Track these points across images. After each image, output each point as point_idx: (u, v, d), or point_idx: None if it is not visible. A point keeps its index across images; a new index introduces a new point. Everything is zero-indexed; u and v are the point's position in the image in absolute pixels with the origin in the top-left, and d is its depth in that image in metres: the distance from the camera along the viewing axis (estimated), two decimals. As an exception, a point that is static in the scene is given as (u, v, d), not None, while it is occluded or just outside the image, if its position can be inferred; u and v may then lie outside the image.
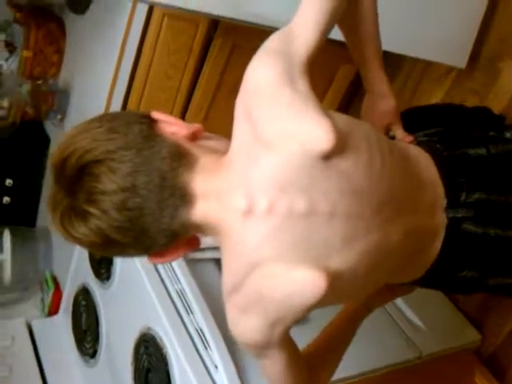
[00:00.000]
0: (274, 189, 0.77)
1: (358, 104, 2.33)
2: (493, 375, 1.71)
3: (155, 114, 0.82)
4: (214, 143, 0.86)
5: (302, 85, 0.80)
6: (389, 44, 1.79)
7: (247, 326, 0.81)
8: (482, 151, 1.04)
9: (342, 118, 0.84)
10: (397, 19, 1.71)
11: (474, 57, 1.98)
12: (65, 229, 0.78)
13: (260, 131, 0.78)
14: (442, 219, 0.96)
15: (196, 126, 0.84)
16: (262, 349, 0.84)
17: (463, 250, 0.98)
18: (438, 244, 0.96)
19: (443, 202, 0.96)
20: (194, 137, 0.84)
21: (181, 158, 0.79)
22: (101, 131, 0.77)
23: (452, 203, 0.97)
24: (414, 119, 1.14)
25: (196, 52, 1.72)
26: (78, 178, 0.76)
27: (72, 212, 0.76)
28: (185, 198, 0.78)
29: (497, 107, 1.87)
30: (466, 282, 1.01)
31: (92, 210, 0.75)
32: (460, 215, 0.97)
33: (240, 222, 0.77)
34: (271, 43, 0.83)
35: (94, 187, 0.75)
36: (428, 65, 2.11)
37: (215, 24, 1.70)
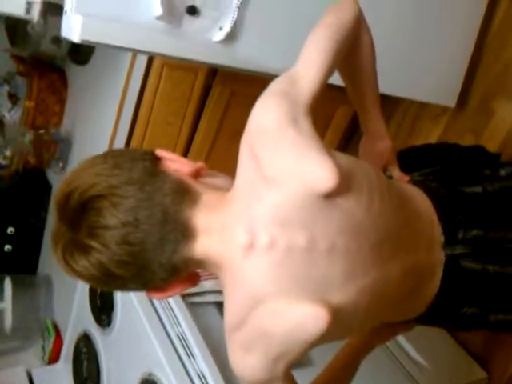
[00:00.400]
0: (276, 225, 0.78)
1: (355, 145, 2.38)
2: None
3: (159, 152, 0.84)
4: (218, 180, 0.89)
5: (306, 125, 0.82)
6: (382, 86, 1.85)
7: (250, 363, 0.81)
8: (478, 189, 1.06)
9: (344, 158, 0.86)
10: (385, 62, 1.76)
11: (469, 97, 2.03)
12: (66, 262, 0.79)
13: (264, 170, 0.79)
14: (439, 256, 0.97)
15: (199, 164, 0.86)
16: None
17: (462, 287, 0.99)
18: (436, 281, 0.96)
19: (441, 239, 0.97)
20: (197, 174, 0.86)
21: (183, 195, 0.80)
22: (105, 167, 0.79)
23: (450, 240, 0.98)
24: (409, 159, 1.16)
25: (195, 100, 1.76)
26: (80, 213, 0.77)
27: (74, 246, 0.78)
28: (186, 233, 0.79)
29: (492, 145, 1.91)
30: (467, 319, 1.01)
31: (93, 243, 0.76)
32: (458, 252, 0.98)
33: (241, 257, 0.78)
34: (276, 85, 0.85)
35: (97, 221, 0.76)
36: (424, 105, 2.15)
37: (214, 72, 1.75)
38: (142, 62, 1.65)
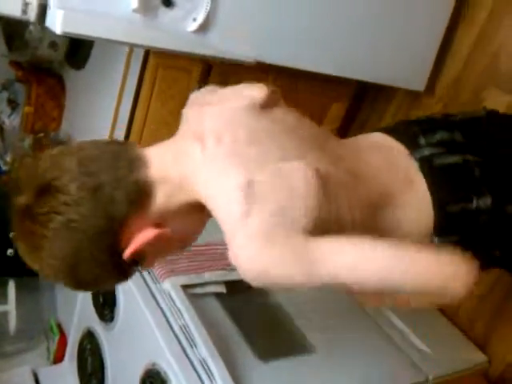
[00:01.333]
0: (217, 128, 0.89)
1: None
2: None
3: None
4: None
5: None
6: (350, 71, 1.88)
7: (277, 248, 0.79)
8: (438, 116, 1.13)
9: None
10: (357, 46, 1.87)
11: (460, 88, 2.07)
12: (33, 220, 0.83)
13: (203, 102, 0.96)
14: (407, 163, 1.00)
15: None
16: (306, 253, 0.79)
17: (453, 182, 0.99)
18: (421, 187, 0.97)
19: (401, 148, 1.02)
20: None
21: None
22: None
23: (413, 147, 1.01)
24: None
25: (191, 98, 1.79)
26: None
27: (37, 196, 0.83)
28: (138, 159, 0.86)
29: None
30: (487, 216, 0.98)
31: (54, 172, 0.83)
32: (428, 153, 1.00)
33: (201, 162, 0.86)
34: None
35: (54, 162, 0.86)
36: (416, 97, 2.19)
37: (208, 71, 1.78)
38: (136, 64, 1.68)
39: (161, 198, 0.86)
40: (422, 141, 1.02)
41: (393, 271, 0.78)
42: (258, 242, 0.79)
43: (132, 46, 1.61)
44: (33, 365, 1.80)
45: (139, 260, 0.88)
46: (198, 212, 0.91)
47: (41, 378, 1.74)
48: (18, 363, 1.81)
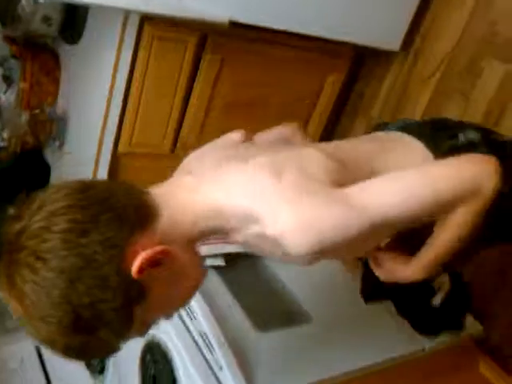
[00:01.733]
0: (200, 160, 1.00)
1: (349, 111, 2.38)
2: (497, 365, 1.71)
3: None
4: None
5: None
6: (324, 30, 1.86)
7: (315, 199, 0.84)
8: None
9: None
10: (332, 4, 1.84)
11: (457, 57, 2.04)
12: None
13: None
14: (386, 134, 1.13)
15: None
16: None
17: (436, 127, 1.10)
18: (410, 142, 1.05)
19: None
20: None
21: None
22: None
23: (385, 125, 1.18)
24: None
25: (187, 70, 1.78)
26: None
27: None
28: (137, 187, 0.86)
29: (482, 102, 1.94)
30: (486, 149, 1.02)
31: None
32: (403, 123, 1.14)
33: (199, 183, 0.89)
34: None
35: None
36: (413, 68, 2.17)
37: (203, 42, 1.76)
38: (131, 37, 1.67)
39: (165, 220, 0.82)
40: (400, 121, 1.17)
41: (433, 182, 0.86)
42: (295, 197, 0.83)
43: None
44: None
45: (145, 291, 0.79)
46: (195, 254, 0.90)
47: (44, 353, 1.76)
48: (21, 338, 1.82)
